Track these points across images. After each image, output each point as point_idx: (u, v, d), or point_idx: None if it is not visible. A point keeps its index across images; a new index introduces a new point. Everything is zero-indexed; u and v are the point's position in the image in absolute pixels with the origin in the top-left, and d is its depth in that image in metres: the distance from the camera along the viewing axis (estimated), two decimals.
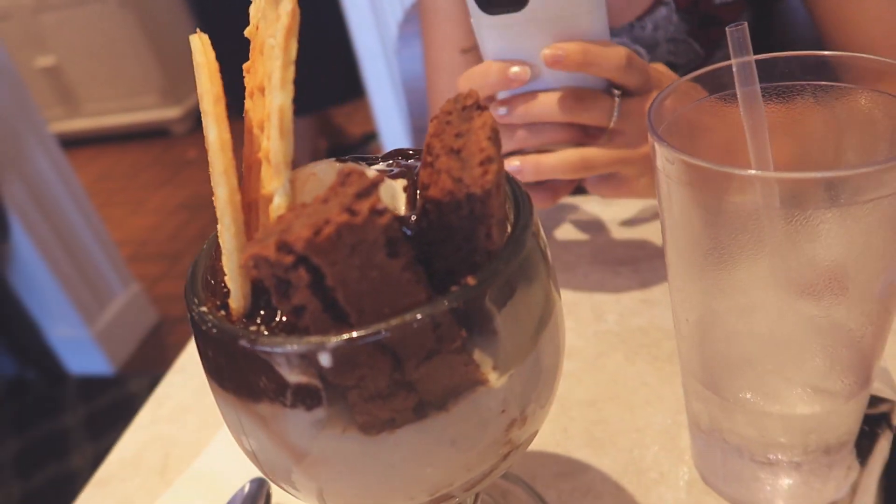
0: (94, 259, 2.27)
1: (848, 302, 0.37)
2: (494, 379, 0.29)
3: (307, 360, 0.26)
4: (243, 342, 0.27)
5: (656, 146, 0.36)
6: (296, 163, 0.29)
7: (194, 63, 0.30)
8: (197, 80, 0.29)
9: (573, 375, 0.57)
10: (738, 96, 0.39)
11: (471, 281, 0.27)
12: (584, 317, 0.63)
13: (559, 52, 0.54)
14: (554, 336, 0.33)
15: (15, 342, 2.22)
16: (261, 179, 0.29)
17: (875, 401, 0.46)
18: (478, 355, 0.28)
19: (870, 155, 0.40)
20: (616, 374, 0.56)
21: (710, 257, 0.38)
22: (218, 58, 0.29)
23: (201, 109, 0.28)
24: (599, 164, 0.58)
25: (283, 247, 0.24)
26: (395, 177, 0.32)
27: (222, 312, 0.30)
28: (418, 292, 0.26)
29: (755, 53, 0.39)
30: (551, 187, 0.65)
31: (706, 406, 0.43)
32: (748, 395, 0.41)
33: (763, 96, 0.39)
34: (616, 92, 0.58)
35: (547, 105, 0.57)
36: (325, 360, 0.26)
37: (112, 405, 2.12)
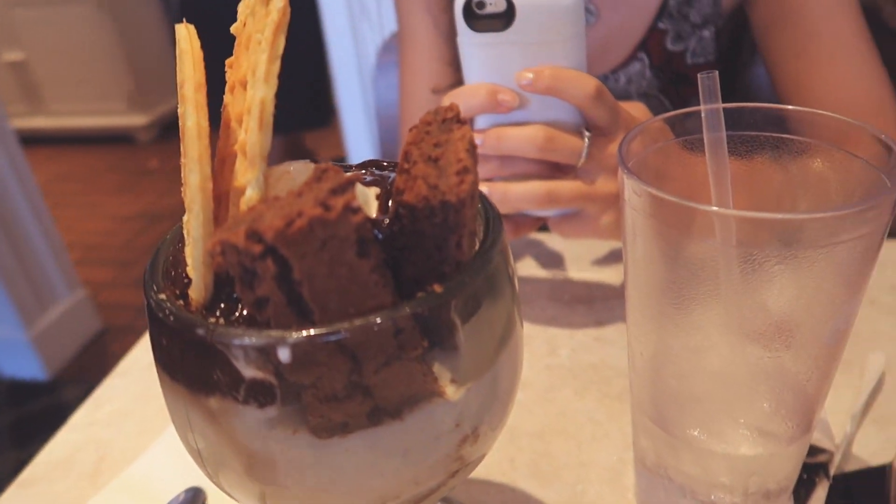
0: (40, 259, 2.20)
1: (796, 347, 0.38)
2: (451, 392, 0.29)
3: (265, 354, 0.26)
4: (200, 331, 0.27)
5: (625, 179, 0.37)
6: None
7: (178, 51, 0.30)
8: (179, 69, 0.29)
9: (523, 406, 0.57)
10: (705, 141, 0.40)
11: (437, 289, 0.27)
12: (538, 349, 0.63)
13: (531, 75, 0.56)
14: (513, 357, 0.33)
15: None
16: (234, 172, 0.29)
17: (814, 450, 0.47)
18: (437, 367, 0.28)
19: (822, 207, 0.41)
20: (565, 408, 0.57)
21: (667, 293, 0.39)
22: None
23: (181, 96, 0.28)
24: (564, 198, 0.59)
25: (253, 235, 0.24)
26: (368, 184, 0.32)
27: (181, 302, 0.29)
28: (384, 296, 0.26)
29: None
30: (516, 221, 0.66)
31: (653, 442, 0.43)
32: (695, 433, 0.41)
33: (727, 144, 0.41)
34: (586, 133, 0.59)
35: (520, 140, 0.58)
36: (283, 355, 0.26)
37: (42, 412, 2.04)
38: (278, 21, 0.27)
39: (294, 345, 0.25)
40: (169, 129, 4.03)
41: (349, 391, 0.27)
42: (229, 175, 0.30)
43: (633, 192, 0.36)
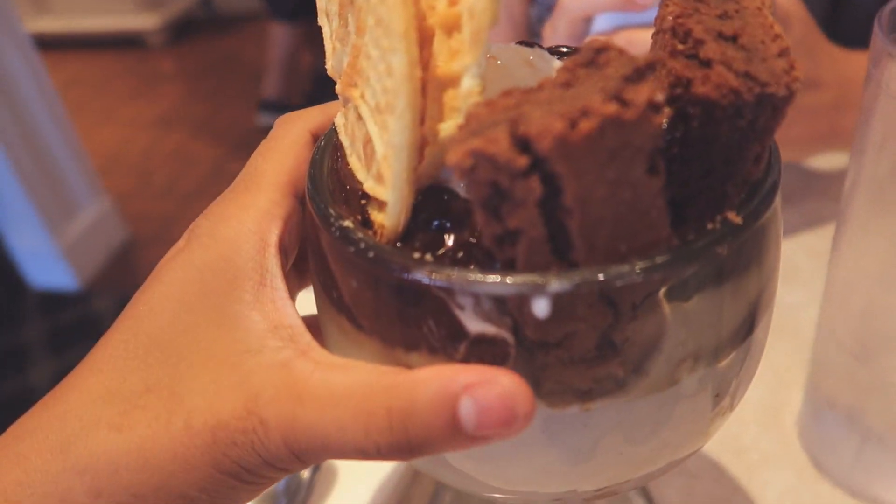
0: (62, 167, 2.12)
1: None
2: (711, 356, 0.23)
3: (506, 305, 0.20)
4: (419, 274, 0.20)
5: (887, 63, 0.29)
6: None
7: None
8: None
9: None
10: None
11: (734, 218, 0.20)
12: None
13: None
14: (771, 313, 0.26)
15: None
16: (432, 55, 0.22)
17: None
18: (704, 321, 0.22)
19: None
20: None
21: None
22: None
23: None
24: None
25: (520, 143, 0.17)
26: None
27: (368, 231, 0.22)
28: (663, 227, 0.20)
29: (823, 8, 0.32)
30: None
31: (851, 384, 0.37)
32: None
33: None
34: None
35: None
36: (538, 307, 0.19)
37: (76, 322, 2.02)
38: None
39: (556, 295, 0.19)
40: (182, 30, 3.85)
41: (601, 351, 0.21)
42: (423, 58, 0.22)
43: None
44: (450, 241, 0.21)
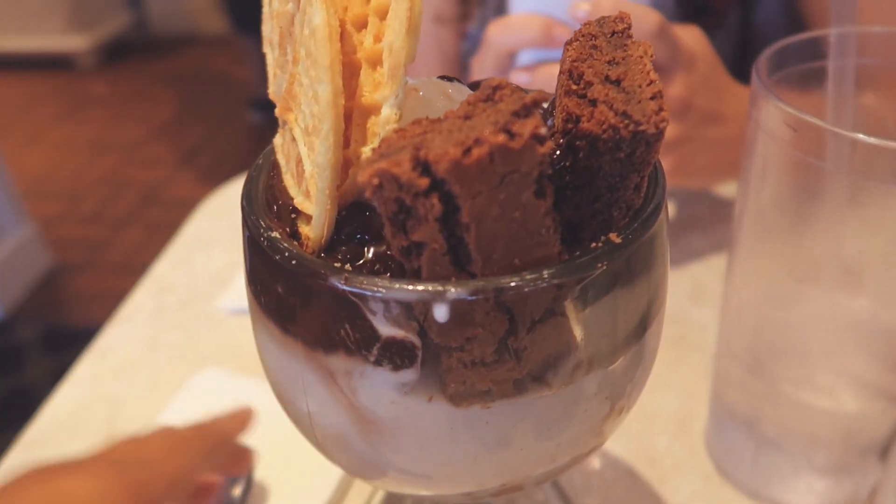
0: None
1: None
2: (603, 359, 0.25)
3: (413, 310, 0.22)
4: (335, 280, 0.22)
5: (763, 104, 0.32)
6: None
7: None
8: None
9: None
10: (830, 69, 0.36)
11: (615, 238, 0.23)
12: None
13: (588, 6, 0.51)
14: (662, 321, 0.29)
15: None
16: (358, 85, 0.24)
17: None
18: (591, 327, 0.24)
19: None
20: None
21: (791, 226, 0.35)
22: None
23: None
24: None
25: (421, 166, 0.19)
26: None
27: (294, 242, 0.24)
28: (553, 244, 0.22)
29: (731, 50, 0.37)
30: None
31: (746, 394, 0.41)
32: (797, 385, 0.39)
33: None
34: None
35: None
36: (439, 312, 0.21)
37: None
38: None
39: (454, 301, 0.21)
40: (114, 52, 3.77)
41: (499, 355, 0.23)
42: (347, 88, 0.24)
43: (778, 120, 0.32)
44: (369, 252, 0.23)
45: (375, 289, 0.21)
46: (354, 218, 0.24)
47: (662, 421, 0.49)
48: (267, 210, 0.25)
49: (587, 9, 0.51)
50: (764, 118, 0.33)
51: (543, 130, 0.19)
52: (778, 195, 0.34)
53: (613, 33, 0.25)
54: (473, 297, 0.21)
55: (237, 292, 0.62)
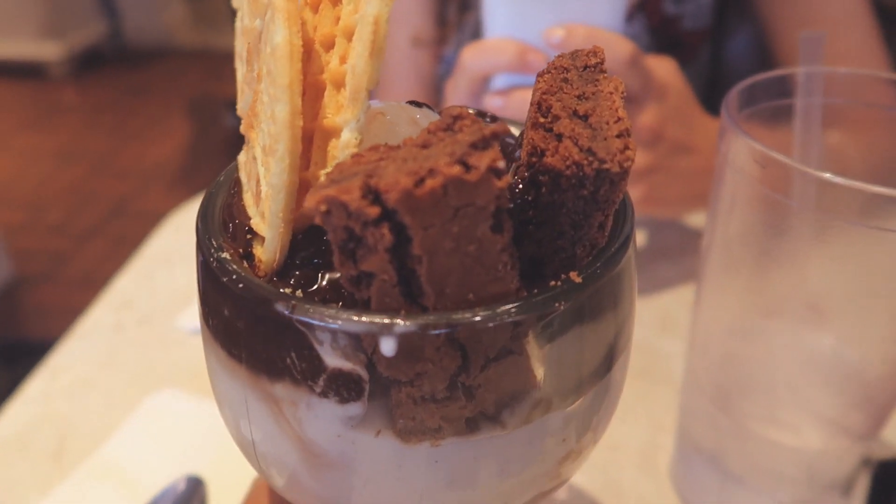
0: None
1: (860, 340, 0.36)
2: (562, 400, 0.24)
3: (360, 342, 0.21)
4: (281, 307, 0.21)
5: (734, 142, 0.33)
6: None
7: None
8: None
9: None
10: (798, 106, 0.36)
11: (575, 278, 0.22)
12: None
13: (562, 33, 0.51)
14: (626, 364, 0.28)
15: None
16: (322, 107, 0.23)
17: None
18: (552, 369, 0.24)
19: None
20: None
21: (758, 261, 0.35)
22: None
23: (271, 4, 0.21)
24: None
25: (371, 194, 0.18)
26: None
27: (245, 264, 0.23)
28: (510, 281, 0.21)
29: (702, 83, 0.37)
30: None
31: (713, 429, 0.40)
32: (763, 421, 0.38)
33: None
34: None
35: None
36: (386, 346, 0.21)
37: None
38: None
39: (403, 335, 0.20)
40: (87, 62, 3.72)
41: (450, 391, 0.22)
42: (311, 109, 0.23)
43: (746, 156, 0.32)
44: (323, 279, 0.23)
45: (322, 318, 0.21)
46: (311, 242, 0.23)
47: (628, 453, 0.48)
48: (222, 229, 0.25)
49: (561, 35, 0.52)
50: (732, 153, 0.33)
51: (501, 164, 0.19)
52: (745, 230, 0.34)
53: (586, 67, 0.24)
54: (423, 332, 0.20)
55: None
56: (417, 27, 0.85)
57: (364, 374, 0.22)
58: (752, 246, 0.34)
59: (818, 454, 0.38)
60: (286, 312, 0.21)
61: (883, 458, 0.47)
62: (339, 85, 0.23)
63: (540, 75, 0.25)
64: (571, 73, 0.24)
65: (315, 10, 0.24)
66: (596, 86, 0.24)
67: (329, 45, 0.23)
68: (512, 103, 0.54)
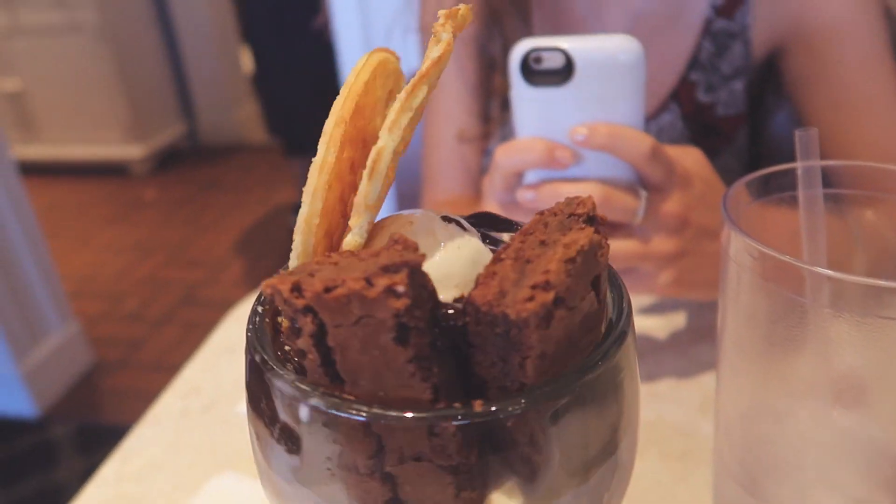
0: (33, 290, 2.14)
1: (884, 419, 0.36)
2: None
3: (293, 404, 0.24)
4: (256, 357, 0.25)
5: (733, 237, 0.35)
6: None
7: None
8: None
9: None
10: (800, 198, 0.39)
11: (477, 406, 0.23)
12: None
13: (586, 131, 0.55)
14: (608, 479, 0.27)
15: None
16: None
17: None
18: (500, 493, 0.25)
19: None
20: None
21: (767, 349, 0.37)
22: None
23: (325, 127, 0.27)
24: (621, 258, 0.58)
25: (297, 289, 0.22)
26: None
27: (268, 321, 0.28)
28: (421, 390, 0.23)
29: (742, 165, 0.39)
30: None
31: None
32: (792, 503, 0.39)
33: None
34: (643, 192, 0.58)
35: None
36: (303, 413, 0.24)
37: (31, 450, 1.96)
38: (426, 69, 0.25)
39: (313, 408, 0.23)
40: (166, 160, 4.00)
41: (370, 470, 0.24)
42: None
43: (744, 251, 0.35)
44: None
45: (271, 374, 0.24)
46: None
47: None
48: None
49: (585, 133, 0.55)
50: (734, 250, 0.36)
51: (401, 288, 0.21)
52: (749, 318, 0.36)
53: (571, 215, 0.26)
54: (331, 411, 0.23)
55: None
56: (463, 123, 0.91)
57: (299, 433, 0.25)
58: (758, 332, 0.36)
59: None
60: (259, 363, 0.25)
61: None
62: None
63: (538, 214, 0.27)
64: (555, 218, 0.26)
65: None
66: (563, 234, 0.25)
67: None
68: (543, 196, 0.58)
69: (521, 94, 0.57)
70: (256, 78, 2.98)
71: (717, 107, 0.89)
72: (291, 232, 0.28)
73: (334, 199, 0.27)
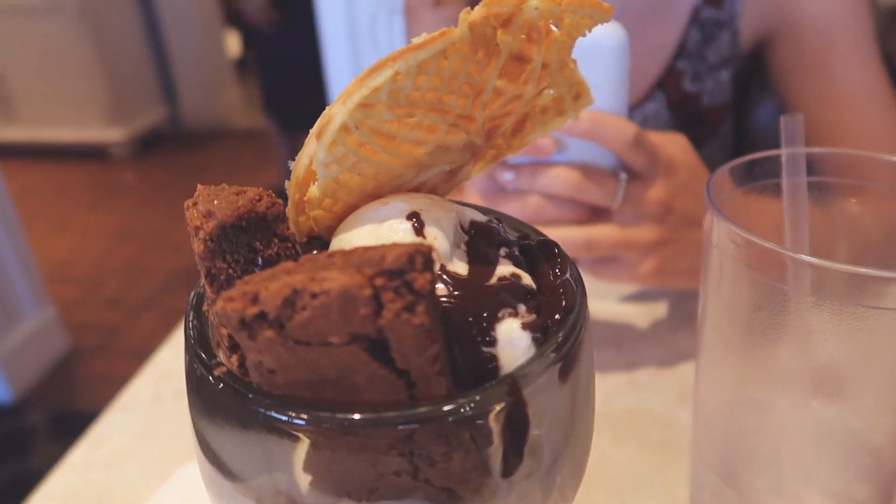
0: (8, 274, 2.11)
1: (864, 410, 0.36)
2: None
3: None
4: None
5: (716, 223, 0.34)
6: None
7: None
8: None
9: None
10: (784, 186, 0.38)
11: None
12: None
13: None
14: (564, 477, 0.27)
15: None
16: None
17: None
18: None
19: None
20: (603, 458, 0.54)
21: (748, 338, 0.36)
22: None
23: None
24: (603, 245, 0.57)
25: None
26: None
27: None
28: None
29: (726, 155, 0.39)
30: None
31: (720, 502, 0.41)
32: (769, 495, 0.39)
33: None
34: (623, 175, 0.57)
35: (553, 178, 0.56)
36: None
37: (4, 436, 1.93)
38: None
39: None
40: (148, 144, 3.95)
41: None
42: None
43: (726, 238, 0.34)
44: None
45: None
46: None
47: None
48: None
49: (569, 123, 0.55)
50: (717, 236, 0.35)
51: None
52: (731, 307, 0.36)
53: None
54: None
55: None
56: None
57: None
58: (739, 321, 0.36)
59: None
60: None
61: None
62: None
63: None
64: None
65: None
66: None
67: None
68: (521, 177, 0.57)
69: None
70: (253, 56, 2.95)
71: (702, 96, 0.89)
72: None
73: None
